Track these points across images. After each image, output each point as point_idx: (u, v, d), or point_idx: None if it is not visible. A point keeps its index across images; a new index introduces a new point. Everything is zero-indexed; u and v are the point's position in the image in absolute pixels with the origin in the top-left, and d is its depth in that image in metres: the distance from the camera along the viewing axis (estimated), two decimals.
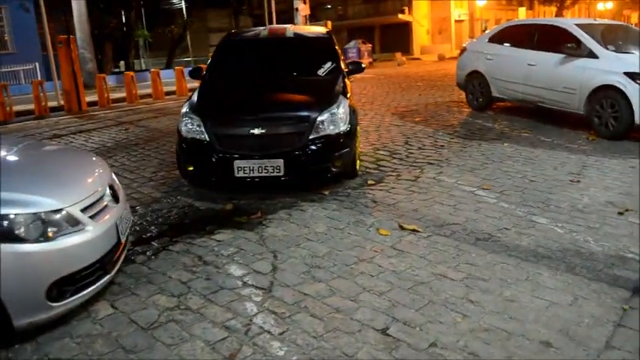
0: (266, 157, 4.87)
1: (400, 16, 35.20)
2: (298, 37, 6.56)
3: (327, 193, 5.11)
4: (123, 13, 34.38)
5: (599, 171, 5.57)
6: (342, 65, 6.23)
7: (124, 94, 15.78)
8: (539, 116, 8.45)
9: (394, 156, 6.52)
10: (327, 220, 4.38)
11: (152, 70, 17.45)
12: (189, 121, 5.15)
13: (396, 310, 2.92)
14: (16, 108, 13.73)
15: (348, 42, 30.08)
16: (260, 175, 4.88)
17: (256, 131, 4.91)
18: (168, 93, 16.46)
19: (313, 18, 35.34)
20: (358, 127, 5.80)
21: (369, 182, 5.44)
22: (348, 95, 5.65)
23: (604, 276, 3.25)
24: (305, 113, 5.05)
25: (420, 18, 36.03)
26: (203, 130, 5.03)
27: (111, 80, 20.36)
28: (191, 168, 5.22)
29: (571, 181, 5.22)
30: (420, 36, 36.45)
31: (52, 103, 14.20)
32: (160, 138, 8.65)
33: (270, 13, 25.65)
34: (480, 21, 32.93)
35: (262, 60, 6.29)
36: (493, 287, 3.15)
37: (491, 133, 7.63)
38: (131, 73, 15.89)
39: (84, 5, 20.89)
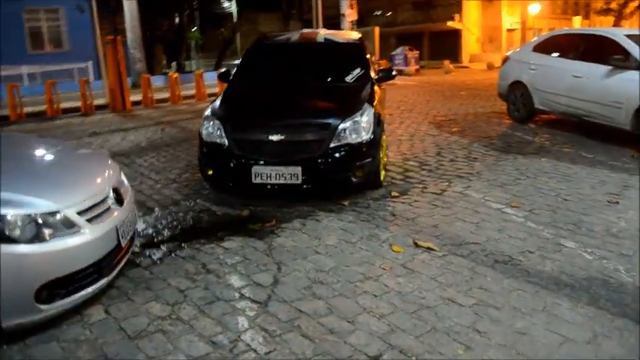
0: (284, 164, 4.75)
1: (450, 23, 34.57)
2: (328, 43, 6.43)
3: (346, 203, 4.94)
4: (176, 15, 35.29)
5: None
6: (372, 72, 6.05)
7: (168, 95, 16.07)
8: (583, 131, 8.00)
9: (423, 167, 6.28)
10: (341, 232, 4.21)
11: (196, 71, 17.71)
12: (210, 124, 5.09)
13: (393, 336, 2.73)
14: (65, 105, 14.14)
15: (396, 48, 29.69)
16: (278, 182, 4.77)
17: (275, 137, 4.80)
18: (211, 95, 16.64)
19: (362, 24, 35.24)
20: (384, 136, 5.61)
21: (393, 194, 5.23)
22: (375, 103, 5.46)
23: (630, 312, 2.95)
24: (326, 120, 4.90)
25: (470, 26, 35.28)
26: (223, 134, 4.96)
27: (158, 81, 20.81)
28: (210, 172, 5.17)
29: (609, 202, 4.86)
30: (470, 44, 35.67)
31: (99, 102, 14.60)
32: (193, 139, 8.67)
33: (317, 18, 25.68)
34: (532, 30, 31.92)
35: (290, 64, 6.19)
36: (504, 317, 2.91)
37: (530, 147, 7.26)
38: (175, 75, 16.17)
39: (135, 7, 21.44)
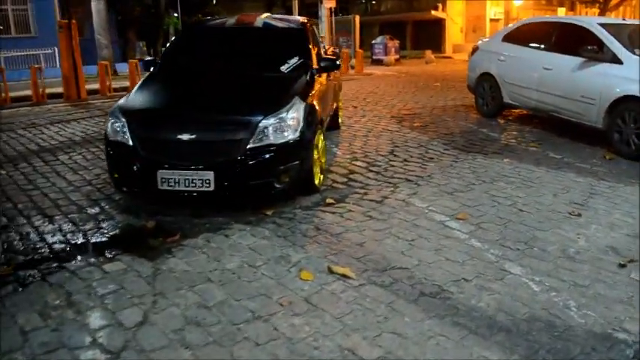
0: (194, 168, 4.06)
1: (433, 12, 33.86)
2: (267, 28, 5.71)
3: (269, 213, 4.26)
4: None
5: (609, 201, 4.55)
6: (314, 61, 5.36)
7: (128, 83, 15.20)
8: (554, 128, 7.39)
9: (371, 168, 5.62)
10: (248, 252, 3.53)
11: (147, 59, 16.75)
12: (114, 120, 4.37)
13: None
14: (16, 94, 13.31)
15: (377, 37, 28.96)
16: (187, 189, 4.07)
17: (185, 136, 4.10)
18: None
19: (345, 11, 34.46)
20: (321, 135, 4.92)
21: (328, 201, 4.57)
22: (311, 97, 4.78)
23: None
24: (245, 117, 4.20)
25: (453, 15, 34.60)
26: (127, 132, 4.25)
27: (123, 67, 19.92)
28: (116, 175, 4.46)
29: (570, 213, 4.23)
30: (454, 34, 35.01)
31: (58, 90, 13.73)
32: None
33: (295, 5, 24.86)
34: (516, 20, 31.39)
35: (220, 52, 5.49)
36: None
37: (494, 146, 6.63)
38: (135, 61, 15.25)
39: None
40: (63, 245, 3.78)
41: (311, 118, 4.57)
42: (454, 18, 34.62)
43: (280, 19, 5.90)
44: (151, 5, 40.59)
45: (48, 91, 13.51)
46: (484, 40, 9.14)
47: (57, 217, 4.35)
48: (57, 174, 5.71)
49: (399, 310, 2.79)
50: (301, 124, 4.35)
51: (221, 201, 4.36)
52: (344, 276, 3.14)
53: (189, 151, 4.11)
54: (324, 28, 24.35)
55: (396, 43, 27.17)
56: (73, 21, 13.81)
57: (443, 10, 34.08)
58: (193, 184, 4.06)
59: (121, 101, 4.65)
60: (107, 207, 4.57)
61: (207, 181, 4.05)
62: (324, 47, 6.62)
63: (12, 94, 13.34)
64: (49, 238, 3.90)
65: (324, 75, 5.77)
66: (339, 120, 7.69)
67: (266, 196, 4.34)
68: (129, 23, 28.76)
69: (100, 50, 20.78)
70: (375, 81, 16.17)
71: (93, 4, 20.70)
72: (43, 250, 3.69)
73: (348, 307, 2.81)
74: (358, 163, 5.84)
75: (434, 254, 3.46)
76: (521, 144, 6.71)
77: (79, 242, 3.84)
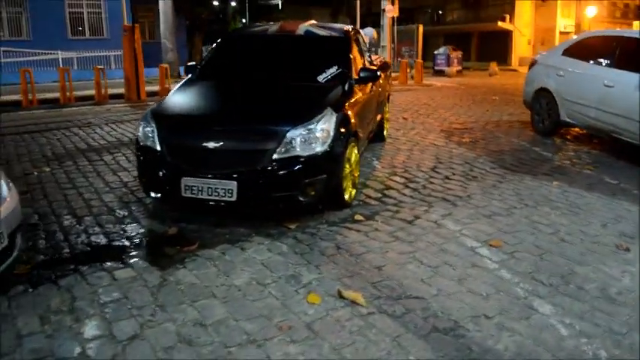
0: (218, 176, 3.98)
1: (500, 24, 32.84)
2: (309, 36, 5.60)
3: (293, 227, 4.12)
4: (217, 4, 35.08)
5: None
6: (353, 72, 5.18)
7: None
8: (614, 150, 6.87)
9: (409, 185, 5.37)
10: (259, 268, 3.39)
11: None
12: (145, 125, 4.37)
13: None
14: (81, 93, 13.90)
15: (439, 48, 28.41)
16: (210, 197, 4.00)
17: (210, 144, 4.02)
18: None
19: (410, 21, 34.05)
20: (355, 148, 4.73)
21: (356, 217, 4.37)
22: (346, 108, 4.61)
23: None
24: (273, 127, 4.08)
25: (521, 27, 33.43)
26: (155, 137, 4.24)
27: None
28: (144, 180, 4.46)
29: (617, 247, 3.84)
30: (521, 46, 33.81)
31: (120, 91, 14.24)
32: None
33: (356, 14, 24.78)
34: None
35: (258, 60, 5.41)
36: None
37: (544, 167, 6.21)
38: (166, 66, 15.51)
39: None
40: (83, 247, 3.79)
41: (343, 131, 4.39)
42: (522, 30, 33.45)
43: (323, 28, 5.76)
44: (218, 11, 41.78)
45: (111, 91, 14.03)
46: (543, 53, 8.66)
47: (85, 218, 4.40)
48: (97, 174, 5.82)
49: (405, 345, 2.56)
50: (331, 136, 4.19)
51: (246, 212, 4.26)
52: (354, 302, 2.94)
53: (214, 160, 4.03)
54: (385, 38, 24.13)
55: (459, 54, 26.57)
56: (137, 25, 14.30)
57: (510, 21, 33.01)
58: (216, 194, 3.98)
59: (155, 106, 4.65)
60: (136, 211, 4.58)
61: (230, 191, 3.96)
62: (369, 57, 6.41)
63: (79, 93, 13.97)
64: (73, 239, 3.93)
65: (367, 86, 5.59)
66: (384, 132, 7.46)
67: (291, 209, 4.19)
68: (196, 28, 29.57)
69: (164, 54, 21.47)
70: (433, 92, 15.79)
71: (160, 9, 21.39)
72: (63, 251, 3.71)
73: (350, 338, 2.61)
74: (396, 178, 5.61)
75: (456, 284, 3.20)
76: (575, 166, 6.26)
77: (99, 245, 3.85)
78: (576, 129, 7.95)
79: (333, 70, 5.04)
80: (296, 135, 4.03)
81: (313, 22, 6.05)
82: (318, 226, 4.16)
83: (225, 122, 4.18)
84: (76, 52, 23.11)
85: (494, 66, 26.26)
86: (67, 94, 13.18)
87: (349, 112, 4.68)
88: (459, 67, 26.37)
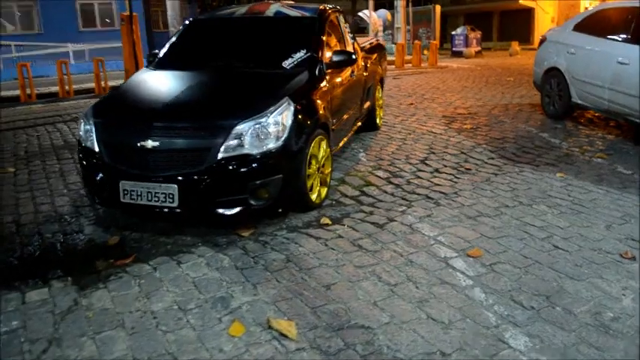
0: (156, 179, 3.50)
1: (522, 1, 31.51)
2: (277, 18, 5.05)
3: (246, 234, 3.63)
4: None
5: None
6: (325, 56, 4.63)
7: None
8: (634, 136, 6.17)
9: (392, 180, 4.82)
10: (188, 288, 2.91)
11: None
12: (84, 123, 3.92)
13: None
14: (86, 86, 13.65)
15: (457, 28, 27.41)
16: (149, 203, 3.53)
17: (148, 143, 3.53)
18: None
19: (430, 2, 33.01)
20: (324, 143, 4.19)
21: (322, 221, 3.86)
22: (312, 98, 4.09)
23: None
24: (218, 121, 3.57)
25: (544, 5, 32.03)
26: (94, 136, 3.78)
27: None
28: (86, 184, 4.02)
29: (622, 255, 3.24)
30: (544, 24, 32.33)
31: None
32: None
33: None
34: None
35: (221, 46, 4.90)
36: None
37: (549, 155, 5.57)
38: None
39: None
40: (11, 261, 3.38)
41: (306, 123, 3.87)
42: (544, 7, 32.07)
43: (296, 8, 5.19)
44: (230, 1, 41.02)
45: (112, 83, 13.70)
46: (554, 29, 7.92)
47: (28, 226, 4.00)
48: (61, 174, 5.41)
49: None
50: (287, 130, 3.67)
51: (195, 218, 3.79)
52: (282, 335, 2.43)
53: (153, 161, 3.55)
54: (399, 19, 23.31)
55: (478, 34, 25.59)
56: (135, 14, 13.86)
57: None
58: (156, 199, 3.51)
59: (97, 101, 4.19)
60: (84, 217, 4.15)
61: (171, 196, 3.48)
62: (352, 38, 5.81)
63: (83, 85, 13.69)
64: (2, 252, 3.51)
65: (345, 71, 5.03)
66: (377, 120, 6.88)
67: (242, 214, 3.68)
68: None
69: None
70: (445, 75, 15.04)
71: None
72: None
73: None
74: (380, 172, 5.05)
75: (415, 308, 2.66)
76: (584, 154, 5.60)
77: (28, 259, 3.43)
78: (591, 112, 7.23)
79: (301, 54, 4.50)
80: (244, 130, 3.52)
81: (287, 2, 5.50)
82: (275, 233, 3.66)
83: (167, 117, 3.68)
84: (87, 44, 22.91)
85: (515, 45, 25.20)
86: (67, 87, 12.89)
87: (315, 102, 4.15)
88: (478, 48, 25.39)
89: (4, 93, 12.66)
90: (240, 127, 3.51)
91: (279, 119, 3.64)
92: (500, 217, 3.88)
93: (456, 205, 4.12)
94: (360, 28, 33.39)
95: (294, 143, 3.70)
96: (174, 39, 5.13)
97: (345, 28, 5.68)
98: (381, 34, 24.61)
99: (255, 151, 3.52)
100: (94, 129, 3.79)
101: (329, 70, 4.61)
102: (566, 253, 3.27)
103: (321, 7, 5.31)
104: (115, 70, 16.94)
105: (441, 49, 26.38)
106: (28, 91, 12.41)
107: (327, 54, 4.69)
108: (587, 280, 2.93)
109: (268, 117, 3.59)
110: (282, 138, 3.62)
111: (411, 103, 9.30)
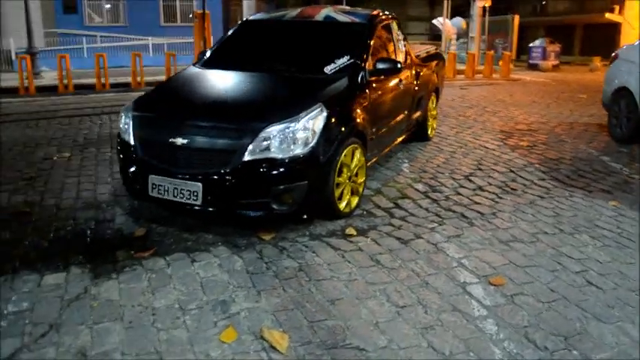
0: (183, 176, 3.55)
1: (608, 15, 29.74)
2: (328, 23, 5.00)
3: (267, 237, 3.61)
4: None
5: None
6: (369, 63, 4.53)
7: None
8: None
9: (430, 195, 4.65)
10: (194, 288, 2.91)
11: None
12: (124, 116, 4.03)
13: None
14: (155, 78, 14.09)
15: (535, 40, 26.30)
16: (174, 199, 3.59)
17: (178, 141, 3.58)
18: None
19: (509, 11, 31.97)
20: (357, 152, 4.09)
21: (347, 231, 3.77)
22: (349, 105, 4.02)
23: None
24: (246, 123, 3.57)
25: (632, 19, 30.12)
26: (130, 130, 3.89)
27: None
28: (122, 175, 4.14)
29: None
30: (631, 40, 30.52)
31: None
32: None
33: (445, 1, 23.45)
34: None
35: (267, 49, 4.90)
36: None
37: (607, 181, 5.18)
38: (171, 53, 15.25)
39: None
40: (41, 243, 3.55)
41: (337, 131, 3.79)
42: (632, 22, 30.15)
43: (346, 13, 5.12)
44: (309, 1, 41.42)
45: None
46: (627, 46, 7.39)
47: (67, 211, 4.17)
48: (110, 163, 5.62)
49: None
50: (317, 136, 3.61)
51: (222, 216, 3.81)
52: (272, 347, 2.38)
53: (181, 158, 3.60)
54: (474, 28, 22.69)
55: (557, 47, 24.44)
56: (207, 12, 14.28)
57: (619, 12, 29.84)
58: (181, 195, 3.56)
59: (139, 96, 4.30)
60: (119, 207, 4.29)
61: (195, 194, 3.52)
62: (403, 46, 5.63)
63: (158, 78, 14.07)
64: (38, 234, 3.69)
65: (391, 79, 4.91)
66: (429, 131, 6.69)
67: (264, 218, 3.66)
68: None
69: None
70: (515, 88, 14.47)
71: None
72: (20, 246, 3.46)
73: None
74: (419, 185, 4.89)
75: (417, 334, 2.53)
76: None
77: (56, 243, 3.57)
78: None
79: (344, 60, 4.42)
80: (272, 133, 3.49)
81: (338, 6, 5.43)
82: (296, 239, 3.61)
83: (198, 116, 3.72)
84: (167, 38, 23.81)
85: (596, 61, 23.91)
86: (138, 78, 13.44)
87: (352, 109, 4.07)
88: (556, 62, 24.24)
89: (83, 80, 13.35)
90: (269, 131, 3.48)
91: (310, 125, 3.58)
92: (536, 244, 3.63)
93: (490, 227, 3.91)
94: (435, 35, 32.80)
95: (323, 150, 3.63)
96: (225, 38, 5.20)
97: (398, 35, 5.54)
98: (454, 42, 24.07)
99: (281, 156, 3.49)
100: (131, 123, 3.89)
101: (372, 78, 4.50)
102: (599, 291, 3.01)
103: (373, 12, 5.22)
104: (188, 64, 17.46)
105: (517, 61, 25.45)
106: (103, 80, 13.06)
107: (373, 61, 4.58)
108: (616, 324, 2.68)
109: (298, 122, 3.54)
110: (311, 144, 3.57)
111: (469, 116, 8.99)
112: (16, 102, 10.72)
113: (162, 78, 13.91)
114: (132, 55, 13.60)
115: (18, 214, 4.06)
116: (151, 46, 23.44)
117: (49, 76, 14.35)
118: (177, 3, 25.83)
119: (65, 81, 12.59)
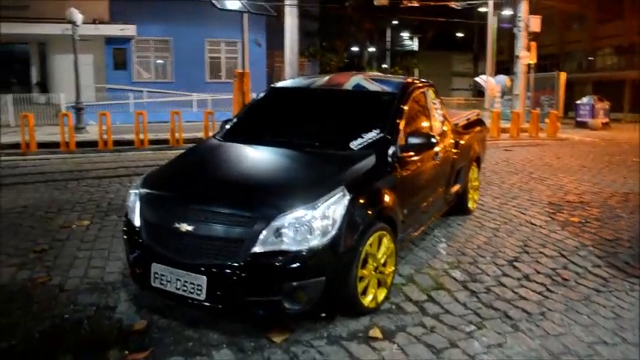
0: (187, 267, 3.19)
1: None
2: (354, 92, 4.68)
3: (278, 340, 3.18)
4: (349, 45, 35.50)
5: None
6: (400, 137, 4.15)
7: None
8: None
9: (468, 285, 4.12)
10: None
11: None
12: (131, 194, 3.75)
13: None
14: (196, 135, 14.04)
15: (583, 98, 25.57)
16: (176, 292, 3.22)
17: (183, 226, 3.24)
18: None
19: (555, 67, 31.46)
20: (385, 239, 3.64)
21: (372, 333, 3.29)
22: (377, 187, 3.63)
23: None
24: (257, 210, 3.19)
25: None
26: (136, 210, 3.58)
27: None
28: (127, 258, 3.82)
29: None
30: None
31: None
32: None
33: (489, 60, 23.17)
34: None
35: (291, 120, 4.60)
36: None
37: None
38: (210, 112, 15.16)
39: (296, 28, 21.11)
40: (35, 334, 3.22)
41: (361, 217, 3.37)
42: None
43: (377, 81, 4.79)
44: (355, 57, 42.13)
45: None
46: None
47: (69, 292, 3.89)
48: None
49: None
50: (338, 225, 3.20)
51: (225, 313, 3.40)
52: None
53: (185, 246, 3.24)
54: (518, 85, 22.22)
55: (606, 104, 23.65)
56: (247, 71, 14.42)
57: None
58: (184, 288, 3.19)
59: (150, 172, 4.03)
60: (125, 291, 3.96)
61: (199, 288, 3.14)
62: (441, 115, 5.25)
63: (199, 134, 14.04)
64: (28, 322, 3.37)
65: (425, 153, 4.49)
66: (469, 204, 6.18)
67: (276, 317, 3.24)
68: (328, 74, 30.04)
69: None
70: (563, 149, 13.82)
71: (285, 56, 21.74)
72: (11, 343, 3.14)
73: None
74: (456, 273, 4.38)
75: None
76: None
77: (49, 336, 3.25)
78: None
79: (373, 134, 4.05)
80: (285, 222, 3.11)
81: (371, 73, 5.13)
82: (312, 342, 3.16)
83: (204, 200, 3.37)
84: (211, 93, 24.28)
85: None
86: (177, 135, 13.49)
87: (380, 191, 3.67)
88: (606, 120, 23.38)
89: (124, 136, 13.52)
90: (281, 220, 3.10)
91: (329, 212, 3.19)
92: (593, 358, 3.05)
93: (539, 334, 3.35)
94: (479, 91, 32.44)
95: (343, 241, 3.21)
96: (250, 106, 4.95)
97: (434, 104, 5.17)
98: (498, 99, 23.61)
99: (295, 248, 3.09)
100: (138, 202, 3.59)
101: (404, 154, 4.11)
102: None
103: (407, 81, 4.88)
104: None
105: (565, 118, 24.68)
106: (142, 136, 13.18)
107: (404, 135, 4.19)
108: None
109: (315, 209, 3.15)
110: (330, 234, 3.16)
111: (514, 183, 8.43)
112: (54, 158, 10.86)
113: (202, 135, 13.95)
114: (170, 113, 13.72)
115: (18, 295, 3.79)
116: (195, 102, 23.94)
117: (94, 131, 14.61)
118: (223, 59, 26.47)
119: (105, 136, 12.77)
